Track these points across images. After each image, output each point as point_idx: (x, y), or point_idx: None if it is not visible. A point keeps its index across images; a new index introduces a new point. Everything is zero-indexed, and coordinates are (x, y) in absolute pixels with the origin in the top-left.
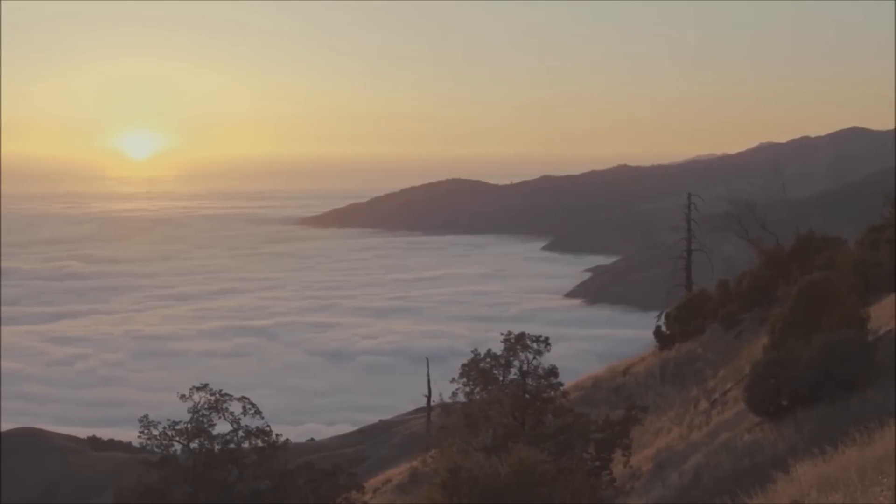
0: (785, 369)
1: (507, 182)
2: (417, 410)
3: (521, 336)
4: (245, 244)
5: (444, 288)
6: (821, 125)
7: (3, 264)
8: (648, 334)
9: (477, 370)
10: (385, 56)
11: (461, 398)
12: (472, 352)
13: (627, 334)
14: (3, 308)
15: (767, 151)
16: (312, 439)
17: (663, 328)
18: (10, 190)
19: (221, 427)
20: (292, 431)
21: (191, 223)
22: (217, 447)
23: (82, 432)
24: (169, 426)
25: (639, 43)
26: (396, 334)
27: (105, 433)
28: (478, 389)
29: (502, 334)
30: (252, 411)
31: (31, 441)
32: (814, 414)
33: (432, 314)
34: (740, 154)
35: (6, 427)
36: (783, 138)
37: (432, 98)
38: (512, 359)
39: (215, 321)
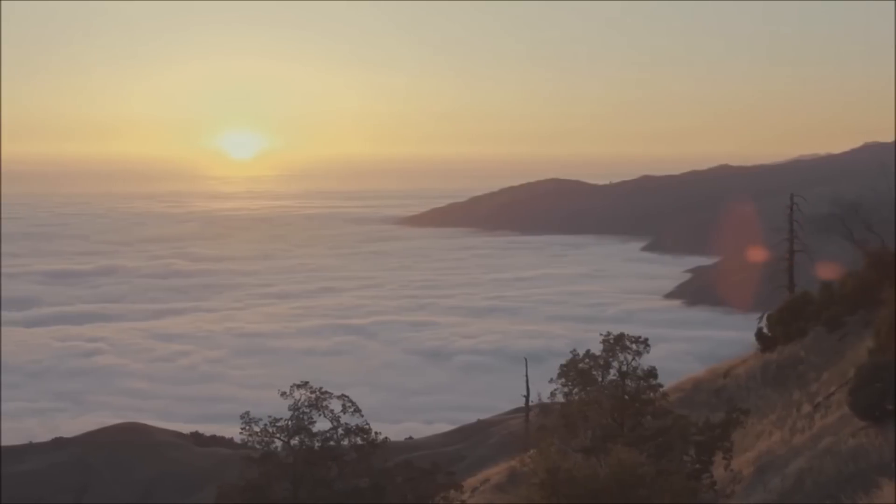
0: (891, 373)
1: (607, 182)
2: (516, 410)
3: (621, 337)
4: (344, 243)
5: (543, 288)
6: None
7: (108, 262)
8: (750, 336)
9: (576, 370)
10: (485, 56)
11: (560, 398)
12: (571, 352)
13: (728, 336)
14: (108, 305)
15: (873, 151)
16: (411, 438)
17: (765, 330)
18: (116, 189)
19: (321, 424)
20: (391, 430)
21: (291, 222)
22: (317, 444)
23: (184, 428)
24: (270, 423)
25: (741, 41)
26: (494, 334)
27: (207, 429)
28: (576, 390)
29: (601, 335)
30: (351, 409)
31: (135, 436)
32: None
33: (530, 314)
34: (845, 154)
35: (112, 421)
36: (889, 138)
37: (532, 97)
38: (611, 359)
39: (315, 319)
